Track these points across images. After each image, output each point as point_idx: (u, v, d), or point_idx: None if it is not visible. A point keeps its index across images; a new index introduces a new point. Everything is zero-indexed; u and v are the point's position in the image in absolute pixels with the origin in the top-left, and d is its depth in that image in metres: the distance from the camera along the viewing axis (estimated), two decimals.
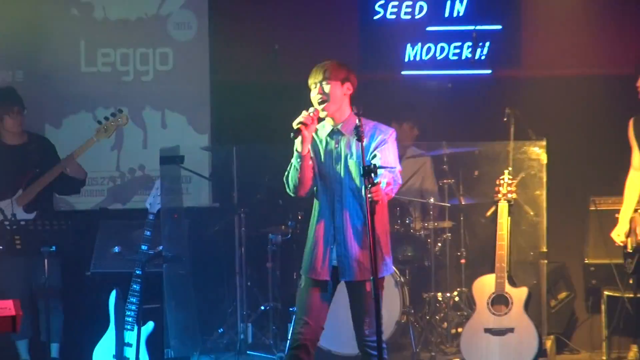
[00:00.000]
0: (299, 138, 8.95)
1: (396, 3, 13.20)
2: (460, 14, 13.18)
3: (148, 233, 11.82)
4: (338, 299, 9.65)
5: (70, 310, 12.58)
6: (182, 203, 13.08)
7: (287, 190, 9.36)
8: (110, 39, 13.74)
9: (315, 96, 9.16)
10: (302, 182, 9.16)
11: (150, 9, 13.68)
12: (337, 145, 9.22)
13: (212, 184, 13.44)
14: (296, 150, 9.04)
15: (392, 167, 9.22)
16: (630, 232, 11.39)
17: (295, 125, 8.95)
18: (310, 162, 9.16)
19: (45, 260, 11.83)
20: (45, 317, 12.30)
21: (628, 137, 11.76)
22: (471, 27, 13.17)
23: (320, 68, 9.25)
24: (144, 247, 11.78)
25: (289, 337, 9.74)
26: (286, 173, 9.26)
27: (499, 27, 13.23)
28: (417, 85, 13.34)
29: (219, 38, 13.71)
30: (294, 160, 9.09)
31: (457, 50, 13.26)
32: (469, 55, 13.16)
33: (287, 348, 9.65)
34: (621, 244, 11.50)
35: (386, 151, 9.27)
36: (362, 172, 8.73)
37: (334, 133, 9.21)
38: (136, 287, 11.69)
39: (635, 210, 11.51)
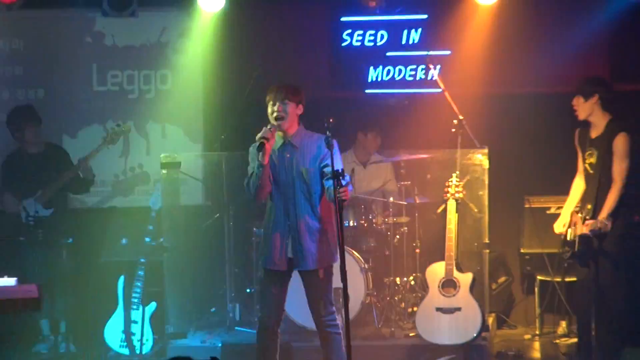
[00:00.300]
0: (264, 149, 9.40)
1: (361, 32, 13.43)
2: (415, 42, 13.44)
3: (151, 227, 12.45)
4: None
5: (83, 293, 12.93)
6: (179, 201, 13.33)
7: (249, 195, 9.85)
8: (118, 63, 13.96)
9: (272, 112, 9.72)
10: (263, 187, 9.72)
11: (152, 37, 13.86)
12: (289, 155, 9.79)
13: (204, 186, 13.69)
14: (258, 160, 9.49)
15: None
16: (570, 225, 11.34)
17: (258, 140, 9.46)
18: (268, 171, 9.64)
19: (61, 251, 12.38)
20: (62, 299, 12.66)
21: (574, 145, 11.63)
22: (424, 53, 13.34)
23: (281, 88, 9.80)
24: (147, 239, 12.39)
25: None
26: (246, 181, 9.80)
27: (448, 52, 13.46)
28: (379, 102, 13.58)
29: (209, 62, 13.80)
30: (256, 170, 9.60)
31: (413, 72, 13.53)
32: (423, 77, 13.47)
33: (256, 331, 10.19)
34: (562, 233, 11.42)
35: (336, 158, 9.51)
36: (331, 176, 9.21)
37: (286, 145, 9.80)
38: (141, 272, 12.29)
39: (577, 209, 11.39)
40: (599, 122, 11.33)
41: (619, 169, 11.23)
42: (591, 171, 11.44)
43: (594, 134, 11.41)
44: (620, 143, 11.19)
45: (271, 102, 9.79)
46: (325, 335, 9.98)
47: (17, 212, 12.65)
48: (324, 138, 9.48)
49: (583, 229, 11.10)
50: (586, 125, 11.51)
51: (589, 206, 11.28)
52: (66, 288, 12.86)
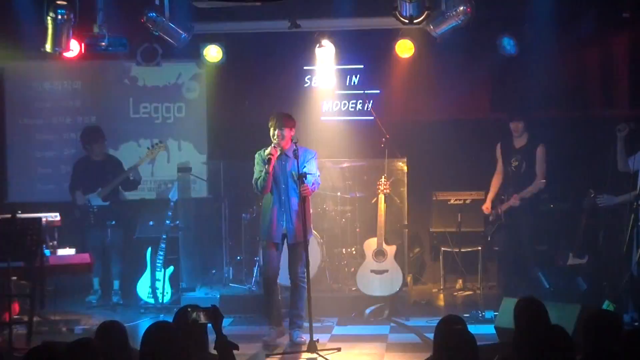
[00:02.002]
0: (269, 162, 10.02)
1: (317, 77, 13.32)
2: (356, 84, 13.33)
3: (170, 213, 12.42)
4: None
5: (124, 260, 12.93)
6: (190, 195, 13.31)
7: (256, 190, 10.41)
8: (147, 98, 13.83)
9: (274, 135, 10.13)
10: (267, 185, 10.22)
11: (171, 80, 13.74)
12: (284, 163, 10.26)
13: (208, 184, 13.56)
14: (265, 167, 10.09)
15: (314, 174, 10.37)
16: (493, 207, 12.00)
17: (266, 156, 10.08)
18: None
19: (109, 230, 12.58)
20: (114, 263, 12.85)
21: (496, 155, 12.15)
22: (361, 91, 13.31)
23: (280, 118, 10.21)
24: (167, 222, 12.39)
25: (262, 274, 11.06)
26: (254, 180, 10.30)
27: (377, 91, 13.35)
28: (330, 126, 13.41)
29: (211, 97, 13.75)
30: (263, 174, 10.11)
31: (353, 105, 13.42)
32: (360, 108, 13.34)
33: (263, 280, 10.83)
34: (489, 213, 12.06)
35: (311, 164, 10.36)
36: (297, 178, 10.01)
37: (282, 155, 10.23)
38: (163, 245, 12.29)
39: (500, 198, 12.02)
40: (523, 138, 11.94)
41: (541, 170, 11.89)
42: (514, 171, 11.97)
43: (518, 145, 11.97)
44: (540, 152, 11.85)
45: (273, 127, 10.24)
46: (296, 286, 10.50)
47: (83, 204, 12.64)
48: (304, 150, 10.34)
49: (513, 202, 11.92)
50: (507, 139, 12.08)
51: (505, 196, 12.07)
52: (115, 256, 12.88)
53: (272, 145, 10.21)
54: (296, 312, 10.57)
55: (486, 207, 12.24)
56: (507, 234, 12.14)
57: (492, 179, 12.32)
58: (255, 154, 10.45)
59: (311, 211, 10.97)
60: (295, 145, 10.19)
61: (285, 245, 10.59)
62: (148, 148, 13.14)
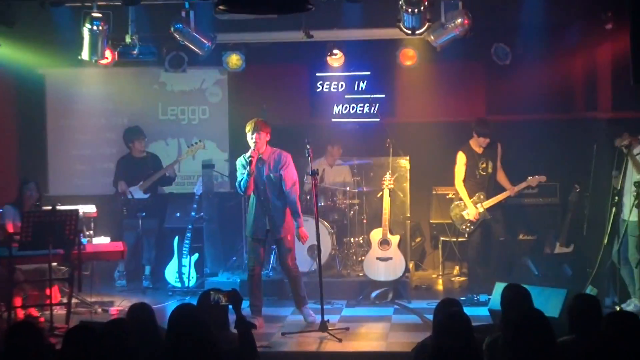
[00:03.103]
0: (250, 163, 9.94)
1: (328, 82, 13.35)
2: (363, 89, 13.30)
3: (195, 205, 12.44)
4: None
5: (156, 246, 12.96)
6: (213, 189, 13.16)
7: (239, 191, 10.32)
8: (174, 101, 13.89)
9: (251, 140, 10.04)
10: (249, 186, 10.08)
11: (196, 85, 13.78)
12: (261, 165, 10.14)
13: (229, 180, 13.35)
14: (247, 170, 10.00)
15: (295, 180, 10.35)
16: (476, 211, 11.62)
17: (247, 158, 10.00)
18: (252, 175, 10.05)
19: (144, 220, 12.58)
20: (146, 250, 12.86)
21: (456, 159, 11.78)
22: (368, 96, 13.30)
23: (256, 124, 10.12)
24: (193, 214, 12.42)
25: (247, 267, 10.73)
26: (237, 183, 10.22)
27: (383, 95, 13.34)
28: (340, 127, 13.38)
29: (233, 100, 13.79)
30: (246, 177, 10.03)
31: (361, 108, 13.36)
32: (367, 111, 13.30)
33: (248, 272, 10.60)
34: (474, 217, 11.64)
35: (289, 168, 10.27)
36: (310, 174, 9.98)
37: (260, 159, 10.11)
38: (189, 234, 12.30)
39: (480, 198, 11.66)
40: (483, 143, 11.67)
41: (500, 164, 11.85)
42: (483, 173, 11.68)
43: (479, 150, 11.70)
44: (500, 149, 11.80)
45: (249, 133, 10.14)
46: (292, 277, 10.49)
47: (126, 195, 12.69)
48: (279, 153, 10.27)
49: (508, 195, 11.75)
50: (467, 146, 11.80)
51: (482, 195, 11.66)
52: (147, 244, 12.90)
53: (252, 149, 10.11)
54: (299, 297, 10.58)
55: (475, 215, 11.70)
56: (486, 226, 11.88)
57: (458, 187, 11.87)
58: (237, 160, 10.45)
59: (321, 204, 11.05)
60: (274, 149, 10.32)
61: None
62: (188, 146, 13.18)
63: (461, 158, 11.78)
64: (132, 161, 12.93)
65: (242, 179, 10.18)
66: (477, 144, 11.76)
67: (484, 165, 11.77)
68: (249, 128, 10.17)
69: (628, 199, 10.26)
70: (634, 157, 10.25)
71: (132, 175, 12.77)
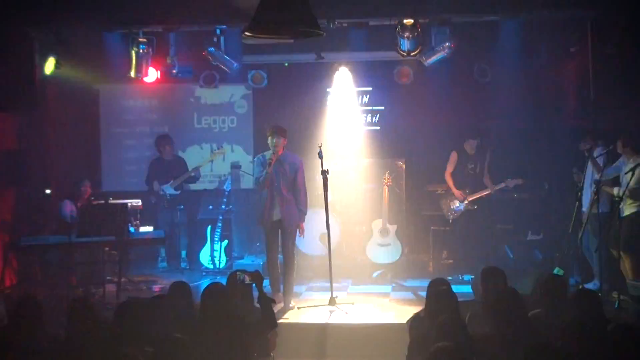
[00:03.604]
0: (269, 165, 9.84)
1: (336, 96, 13.14)
2: (366, 102, 13.18)
3: (225, 199, 12.45)
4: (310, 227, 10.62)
5: (189, 235, 12.90)
6: (240, 186, 13.17)
7: (256, 187, 10.22)
8: (207, 112, 13.76)
9: (272, 143, 9.90)
10: (266, 183, 9.94)
11: (226, 99, 13.67)
12: (279, 166, 10.00)
13: (254, 178, 13.20)
14: (266, 169, 9.88)
15: (304, 182, 10.29)
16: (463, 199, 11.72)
17: (267, 159, 9.88)
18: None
19: (178, 212, 12.53)
20: (182, 237, 12.84)
21: (450, 158, 11.85)
22: (370, 107, 13.22)
23: (275, 129, 10.01)
24: (223, 206, 12.41)
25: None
26: (256, 179, 10.10)
27: (383, 107, 13.24)
28: (347, 134, 13.07)
29: (256, 111, 13.68)
30: (264, 174, 9.91)
31: (364, 118, 13.21)
32: (370, 120, 13.22)
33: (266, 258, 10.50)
34: (461, 199, 11.73)
35: (301, 171, 10.21)
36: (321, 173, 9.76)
37: (278, 161, 9.94)
38: (219, 224, 12.25)
39: (465, 192, 11.74)
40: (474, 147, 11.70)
41: (487, 168, 11.81)
42: (471, 172, 11.73)
43: (471, 152, 11.72)
44: (490, 155, 11.77)
45: (270, 137, 9.98)
46: (288, 262, 10.20)
47: (159, 192, 12.61)
48: (295, 157, 10.19)
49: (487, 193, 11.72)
50: (461, 149, 11.79)
51: (468, 190, 11.72)
52: (182, 232, 12.85)
53: (272, 151, 10.01)
54: (287, 281, 10.28)
55: (461, 194, 11.84)
56: (469, 217, 11.92)
57: (446, 177, 11.98)
58: (254, 158, 10.35)
59: (330, 198, 11.05)
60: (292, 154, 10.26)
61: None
62: (211, 152, 13.20)
63: (453, 156, 11.89)
64: (163, 163, 12.80)
65: (260, 176, 10.05)
66: (469, 146, 11.83)
67: (473, 166, 11.81)
68: (270, 133, 10.06)
69: (587, 195, 10.29)
70: (593, 159, 10.24)
71: (163, 175, 12.65)
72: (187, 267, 12.66)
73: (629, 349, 5.33)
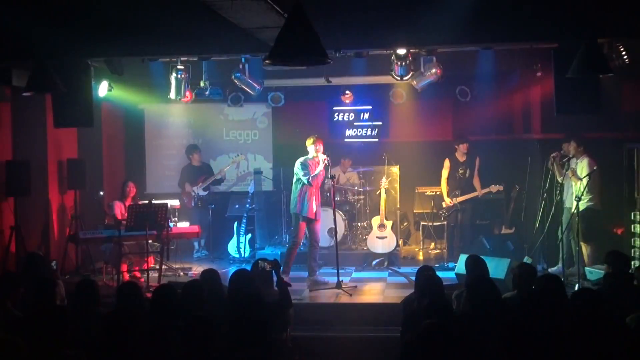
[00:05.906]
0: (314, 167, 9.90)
1: (342, 114, 13.23)
2: (366, 118, 13.15)
3: (249, 200, 12.41)
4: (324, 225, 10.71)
5: (219, 229, 12.88)
6: (262, 189, 13.09)
7: (307, 183, 10.03)
8: (234, 127, 13.75)
9: (313, 149, 10.03)
10: (315, 181, 9.99)
11: (249, 116, 13.65)
12: (318, 166, 9.98)
13: (273, 182, 13.38)
14: (313, 170, 9.93)
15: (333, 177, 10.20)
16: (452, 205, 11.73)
17: (306, 162, 9.96)
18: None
19: (210, 210, 12.53)
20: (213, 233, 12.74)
21: (444, 165, 11.87)
22: (370, 123, 13.19)
23: (315, 139, 10.07)
24: (247, 206, 12.36)
25: (292, 239, 10.55)
26: (307, 178, 9.96)
27: (380, 123, 13.22)
28: (350, 145, 13.26)
29: (275, 127, 13.70)
30: (314, 173, 9.96)
31: (365, 131, 13.20)
32: (370, 133, 13.19)
33: (291, 242, 10.46)
34: (450, 205, 11.77)
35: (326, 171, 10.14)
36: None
37: (319, 163, 9.94)
38: (244, 220, 12.24)
39: (455, 193, 11.77)
40: (464, 154, 11.75)
41: (477, 173, 11.81)
42: (462, 177, 11.73)
43: (462, 159, 11.76)
44: (478, 162, 11.80)
45: (312, 145, 10.04)
46: (312, 248, 10.28)
47: (190, 193, 12.56)
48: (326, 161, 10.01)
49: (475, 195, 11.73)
50: (453, 156, 11.84)
51: (458, 192, 11.76)
52: (212, 228, 12.74)
53: (313, 155, 10.08)
54: (311, 266, 10.38)
55: (448, 203, 11.86)
56: (458, 215, 11.93)
57: (442, 183, 11.98)
58: (298, 162, 10.28)
59: (337, 198, 11.03)
60: (327, 156, 10.15)
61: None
62: (232, 158, 13.22)
63: (446, 163, 11.91)
64: (192, 169, 12.69)
65: (309, 177, 10.03)
66: (460, 152, 11.87)
67: (462, 171, 11.83)
68: (311, 141, 10.17)
69: (568, 193, 10.27)
70: (558, 166, 10.26)
71: (193, 178, 12.55)
72: (218, 256, 12.59)
73: (586, 310, 5.42)
